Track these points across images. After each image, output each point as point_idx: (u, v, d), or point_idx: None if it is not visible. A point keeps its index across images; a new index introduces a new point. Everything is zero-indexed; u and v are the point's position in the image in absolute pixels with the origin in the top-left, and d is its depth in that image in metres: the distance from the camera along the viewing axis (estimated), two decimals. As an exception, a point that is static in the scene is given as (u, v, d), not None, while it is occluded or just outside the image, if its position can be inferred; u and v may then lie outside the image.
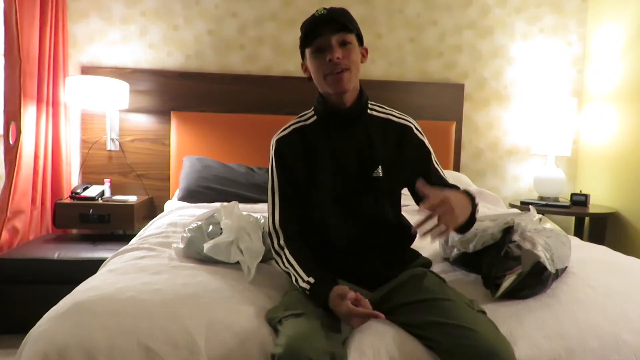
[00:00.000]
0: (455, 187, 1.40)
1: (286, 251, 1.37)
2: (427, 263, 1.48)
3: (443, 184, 1.43)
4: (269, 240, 1.44)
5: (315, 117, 1.47)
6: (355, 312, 1.16)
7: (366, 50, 1.45)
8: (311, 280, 1.27)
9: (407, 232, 1.48)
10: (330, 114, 1.43)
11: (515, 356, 1.11)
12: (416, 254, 1.49)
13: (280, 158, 1.44)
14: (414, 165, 1.44)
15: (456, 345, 1.10)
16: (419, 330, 1.20)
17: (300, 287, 1.29)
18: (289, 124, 1.49)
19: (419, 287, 1.30)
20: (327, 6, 1.39)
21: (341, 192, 1.41)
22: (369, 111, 1.46)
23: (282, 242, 1.40)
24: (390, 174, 1.42)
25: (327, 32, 1.33)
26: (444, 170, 1.49)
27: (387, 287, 1.34)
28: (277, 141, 1.47)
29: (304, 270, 1.31)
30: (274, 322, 1.20)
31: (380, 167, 1.41)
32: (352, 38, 1.37)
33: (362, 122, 1.44)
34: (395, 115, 1.48)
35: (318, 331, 1.11)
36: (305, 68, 1.44)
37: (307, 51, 1.38)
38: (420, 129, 1.49)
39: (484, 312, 1.23)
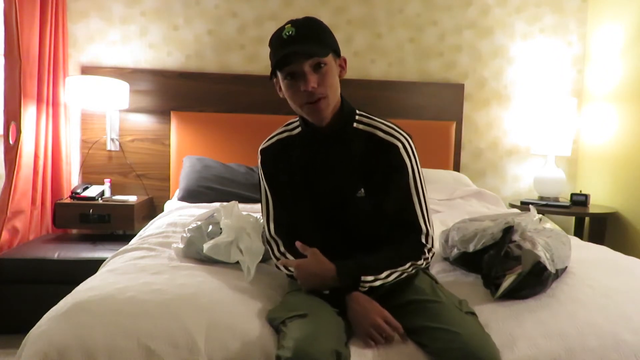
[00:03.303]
0: (413, 226, 1.33)
1: (289, 256, 1.37)
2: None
3: (402, 217, 1.34)
4: (268, 247, 1.44)
5: (300, 129, 1.43)
6: (391, 319, 1.17)
7: (345, 60, 1.36)
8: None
9: None
10: (312, 130, 1.38)
11: (501, 357, 1.11)
12: None
13: (265, 168, 1.44)
14: (389, 187, 1.35)
15: (443, 349, 1.10)
16: (411, 334, 1.20)
17: None
18: (274, 133, 1.47)
19: (410, 286, 1.30)
20: (298, 17, 1.29)
21: (324, 211, 1.39)
22: (354, 124, 1.37)
23: (282, 248, 1.40)
24: (373, 194, 1.36)
25: (298, 58, 1.24)
26: (424, 198, 1.36)
27: (382, 289, 1.32)
28: (262, 151, 1.46)
29: None
30: (276, 323, 1.19)
31: (362, 188, 1.36)
32: (327, 59, 1.27)
33: (345, 138, 1.37)
34: (382, 129, 1.36)
35: (324, 332, 1.11)
36: (279, 87, 1.36)
37: (279, 74, 1.31)
38: (409, 148, 1.35)
39: (473, 314, 1.23)
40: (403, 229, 1.35)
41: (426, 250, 1.34)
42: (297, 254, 1.35)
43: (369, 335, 1.17)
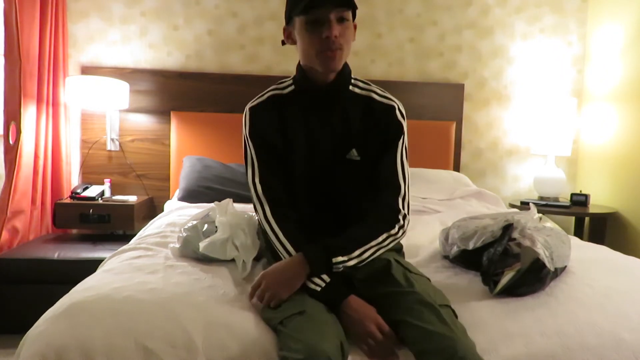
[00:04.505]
0: (391, 184, 1.32)
1: (275, 227, 1.31)
2: (399, 248, 1.46)
3: (386, 175, 1.34)
4: (255, 209, 1.37)
5: (292, 87, 1.41)
6: (383, 326, 1.14)
7: (355, 26, 1.36)
8: (326, 279, 1.22)
9: None
10: (309, 88, 1.37)
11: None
12: None
13: (254, 126, 1.39)
14: (382, 143, 1.36)
15: (423, 352, 1.08)
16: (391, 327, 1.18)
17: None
18: (264, 91, 1.44)
19: (386, 278, 1.25)
20: None
21: (314, 173, 1.37)
22: (350, 87, 1.39)
23: (268, 213, 1.33)
24: (367, 157, 1.35)
25: (326, 5, 1.24)
26: (406, 161, 1.38)
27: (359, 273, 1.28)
28: (252, 109, 1.41)
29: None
30: (273, 323, 1.17)
31: (354, 149, 1.35)
32: (349, 14, 1.29)
33: (341, 99, 1.37)
34: (378, 93, 1.40)
35: (327, 327, 1.11)
36: (288, 34, 1.36)
37: (298, 20, 1.29)
38: (403, 111, 1.40)
39: (447, 306, 1.19)
40: (381, 187, 1.32)
41: (401, 217, 1.30)
42: (289, 230, 1.30)
43: (366, 344, 1.13)
